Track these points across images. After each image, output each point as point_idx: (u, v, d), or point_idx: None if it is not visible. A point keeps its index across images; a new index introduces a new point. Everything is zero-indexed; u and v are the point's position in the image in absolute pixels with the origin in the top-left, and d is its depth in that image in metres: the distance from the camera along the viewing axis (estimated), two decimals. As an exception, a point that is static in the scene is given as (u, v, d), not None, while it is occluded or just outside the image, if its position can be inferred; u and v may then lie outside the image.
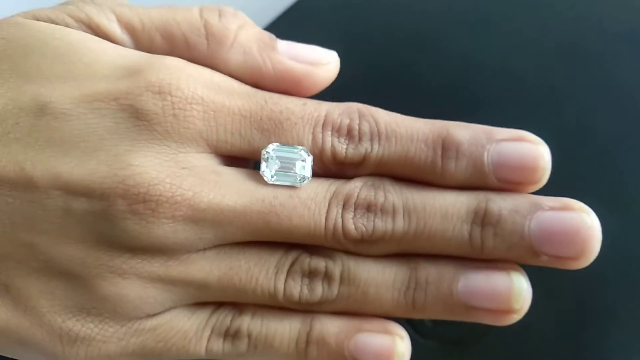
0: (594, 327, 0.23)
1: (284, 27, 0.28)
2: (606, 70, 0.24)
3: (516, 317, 0.18)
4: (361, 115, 0.18)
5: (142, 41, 0.19)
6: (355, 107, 0.19)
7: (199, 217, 0.17)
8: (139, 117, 0.17)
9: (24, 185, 0.16)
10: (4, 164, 0.16)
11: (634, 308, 0.23)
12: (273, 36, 0.19)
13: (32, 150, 0.16)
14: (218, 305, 0.19)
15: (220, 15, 0.19)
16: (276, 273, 0.18)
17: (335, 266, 0.18)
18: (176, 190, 0.17)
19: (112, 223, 0.16)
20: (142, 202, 0.16)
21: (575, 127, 0.18)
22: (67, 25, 0.18)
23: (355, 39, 0.27)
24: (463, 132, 0.18)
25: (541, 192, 0.18)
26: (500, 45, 0.25)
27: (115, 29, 0.18)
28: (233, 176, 0.18)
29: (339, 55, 0.20)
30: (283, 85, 0.19)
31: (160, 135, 0.17)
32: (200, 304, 0.18)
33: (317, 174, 0.18)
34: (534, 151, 0.18)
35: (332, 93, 0.19)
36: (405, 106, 0.24)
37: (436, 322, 0.23)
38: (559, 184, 0.20)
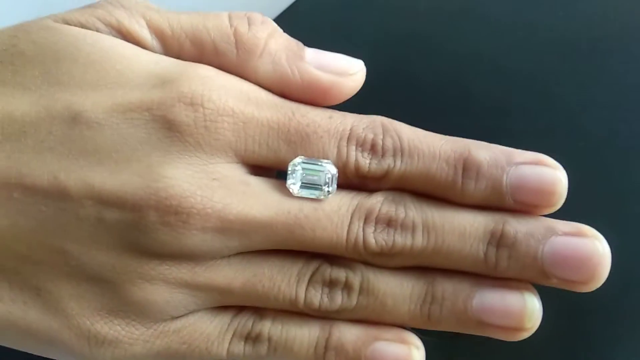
0: (590, 324, 0.23)
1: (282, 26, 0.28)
2: (600, 68, 0.25)
3: (526, 335, 0.18)
4: (385, 131, 0.19)
5: (171, 47, 0.19)
6: (379, 122, 0.19)
7: (227, 228, 0.17)
8: (171, 128, 0.17)
9: (58, 195, 0.17)
10: (38, 173, 0.17)
11: (631, 307, 0.23)
12: (301, 44, 0.19)
13: (65, 159, 0.17)
14: (240, 309, 0.19)
15: (250, 23, 0.19)
16: (298, 281, 0.19)
17: (355, 277, 0.19)
18: (207, 203, 0.17)
19: (143, 233, 0.17)
20: (173, 214, 0.17)
21: (565, 126, 0.18)
22: (97, 30, 0.18)
23: (351, 38, 0.27)
24: (484, 153, 0.18)
25: None
26: (495, 44, 0.25)
27: (146, 35, 0.18)
28: (260, 187, 0.18)
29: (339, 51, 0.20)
30: (310, 94, 0.19)
31: (191, 147, 0.17)
32: (223, 308, 0.19)
33: (340, 185, 0.19)
34: (552, 176, 0.18)
35: None
36: (400, 104, 0.25)
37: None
38: None
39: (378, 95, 0.25)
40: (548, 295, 0.19)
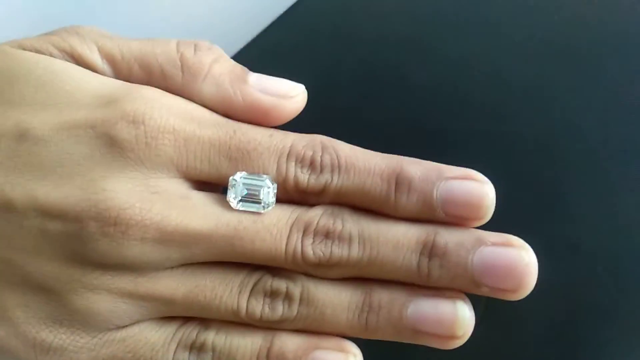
0: (585, 324, 0.23)
1: (280, 30, 0.28)
2: (597, 72, 0.24)
3: (459, 343, 0.19)
4: (324, 148, 0.20)
5: (121, 71, 0.20)
6: (319, 140, 0.20)
7: (166, 239, 0.18)
8: (113, 145, 0.18)
9: (3, 206, 0.18)
10: None
11: (627, 306, 0.23)
12: (245, 69, 0.21)
13: (12, 173, 0.18)
14: (185, 319, 0.20)
15: (195, 49, 0.20)
16: (239, 292, 0.19)
17: (296, 287, 0.19)
18: (145, 214, 0.18)
19: (84, 243, 0.18)
20: (112, 224, 0.18)
21: (562, 128, 0.19)
22: (51, 55, 0.19)
23: (348, 42, 0.27)
24: (415, 168, 0.19)
25: (540, 197, 0.18)
26: (489, 48, 0.25)
27: (97, 59, 0.20)
28: (201, 200, 0.19)
29: (332, 57, 0.20)
30: (252, 115, 0.20)
31: (132, 162, 0.18)
32: (168, 318, 0.20)
33: (280, 200, 0.20)
34: (480, 190, 0.19)
35: (326, 94, 0.20)
36: (396, 107, 0.24)
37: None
38: (547, 184, 0.20)
39: (374, 99, 0.25)
40: (546, 296, 0.19)
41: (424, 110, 0.25)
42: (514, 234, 0.19)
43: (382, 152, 0.20)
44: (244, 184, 0.19)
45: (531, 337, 0.23)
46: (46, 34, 0.20)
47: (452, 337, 0.19)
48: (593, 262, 0.19)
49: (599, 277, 0.22)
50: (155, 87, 0.20)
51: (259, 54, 0.21)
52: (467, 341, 0.19)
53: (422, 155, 0.20)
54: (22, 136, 0.18)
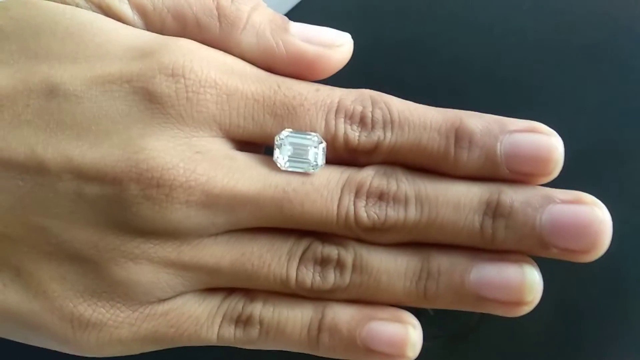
0: (584, 325, 0.23)
1: None
2: (590, 73, 0.25)
3: (527, 309, 0.18)
4: (374, 103, 0.18)
5: (153, 22, 0.18)
6: (368, 94, 0.18)
7: (212, 202, 0.17)
8: (152, 100, 0.17)
9: (35, 169, 0.16)
10: (14, 146, 0.16)
11: (625, 307, 0.23)
12: (286, 18, 0.19)
13: (43, 133, 0.16)
14: (230, 291, 0.19)
15: None
16: (288, 260, 0.18)
17: (348, 254, 0.18)
18: (190, 175, 0.16)
19: (124, 207, 0.16)
20: (155, 186, 0.16)
21: (556, 130, 0.18)
22: (77, 6, 0.18)
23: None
24: (476, 121, 0.18)
25: None
26: (484, 49, 0.26)
27: (127, 10, 0.18)
28: (246, 161, 0.18)
29: None
30: (296, 67, 0.19)
31: (173, 119, 0.17)
32: (212, 290, 0.18)
33: (329, 160, 0.18)
34: (547, 143, 0.17)
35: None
36: None
37: (429, 322, 0.23)
38: (543, 185, 0.20)
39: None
40: (544, 297, 0.18)
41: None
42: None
43: None
44: (290, 142, 0.18)
45: (530, 338, 0.23)
46: None
47: (520, 302, 0.18)
48: (590, 265, 0.19)
49: (597, 279, 0.23)
50: (191, 38, 0.18)
51: None
52: (466, 342, 0.19)
53: None
54: (51, 92, 0.16)
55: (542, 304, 0.18)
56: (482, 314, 0.19)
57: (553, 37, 0.26)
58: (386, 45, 0.27)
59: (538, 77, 0.25)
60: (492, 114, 0.18)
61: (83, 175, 0.16)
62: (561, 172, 0.18)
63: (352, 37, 0.19)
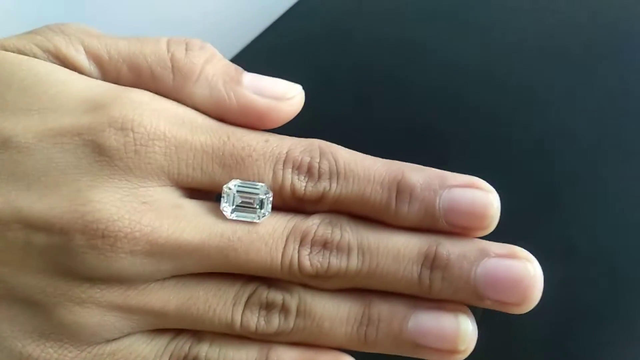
0: (583, 326, 0.23)
1: (276, 34, 0.28)
2: (590, 74, 0.25)
3: (460, 357, 0.18)
4: (322, 154, 0.19)
5: (109, 72, 0.19)
6: (317, 145, 0.19)
7: (157, 251, 0.17)
8: (100, 153, 0.17)
9: None
10: None
11: (623, 307, 0.23)
12: (240, 69, 0.20)
13: None
14: (177, 332, 0.19)
15: (187, 49, 0.19)
16: (234, 304, 0.19)
17: (292, 299, 0.19)
18: (135, 226, 0.17)
19: (71, 256, 0.17)
20: (100, 237, 0.17)
21: (557, 131, 0.18)
22: (35, 56, 0.18)
23: (343, 44, 0.27)
24: (417, 176, 0.19)
25: (536, 200, 0.17)
26: (484, 50, 0.25)
27: (83, 60, 0.19)
28: (193, 210, 0.18)
29: (328, 62, 0.20)
30: (247, 118, 0.19)
31: (121, 171, 0.17)
32: (160, 331, 0.19)
33: (277, 208, 0.19)
34: (484, 199, 0.18)
35: (322, 98, 0.19)
36: (391, 110, 0.24)
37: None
38: (543, 187, 0.20)
39: (370, 102, 0.25)
40: (543, 298, 0.18)
41: (419, 113, 0.25)
42: (510, 237, 0.19)
43: (378, 155, 0.19)
44: (238, 192, 0.18)
45: (529, 339, 0.23)
46: (29, 33, 0.19)
47: (454, 351, 0.18)
48: (590, 264, 0.19)
49: (596, 279, 0.22)
50: (145, 89, 0.19)
51: (255, 58, 0.20)
52: None
53: (417, 157, 0.20)
54: (4, 144, 0.17)
55: (542, 304, 0.18)
56: (483, 313, 0.19)
57: (553, 37, 0.25)
58: (385, 45, 0.26)
59: (537, 76, 0.25)
60: (490, 114, 0.18)
61: (31, 225, 0.17)
62: (561, 172, 0.18)
63: (349, 38, 0.19)
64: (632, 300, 0.23)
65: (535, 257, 0.18)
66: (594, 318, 0.22)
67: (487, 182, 0.19)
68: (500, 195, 0.19)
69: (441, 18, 0.27)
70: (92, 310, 0.18)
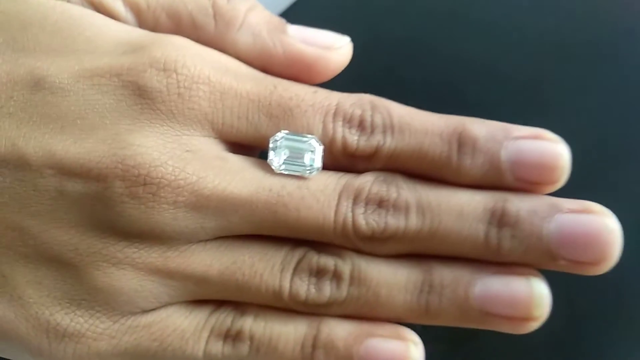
0: (585, 328, 0.22)
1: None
2: (590, 72, 0.24)
3: (535, 325, 0.17)
4: (373, 107, 0.18)
5: (146, 20, 0.18)
6: (367, 99, 0.18)
7: (201, 204, 0.16)
8: (141, 95, 0.16)
9: (16, 163, 0.15)
10: None
11: (626, 309, 0.22)
12: (283, 20, 0.19)
13: (25, 126, 0.15)
14: (218, 304, 0.17)
15: None
16: (282, 270, 0.17)
17: (345, 265, 0.17)
18: (179, 174, 0.16)
19: (108, 207, 0.15)
20: (142, 184, 0.15)
21: (557, 129, 0.18)
22: (68, 1, 0.17)
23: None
24: (480, 127, 0.17)
25: None
26: (484, 48, 0.25)
27: (119, 7, 0.18)
28: (239, 163, 0.17)
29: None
30: (294, 69, 0.18)
31: (163, 115, 0.16)
32: (200, 302, 0.17)
33: (326, 166, 0.17)
34: (553, 150, 0.17)
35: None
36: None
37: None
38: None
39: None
40: None
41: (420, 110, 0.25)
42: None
43: None
44: (286, 145, 0.17)
45: (531, 341, 0.22)
46: None
47: (528, 318, 0.16)
48: None
49: (597, 279, 0.22)
50: (186, 37, 0.18)
51: None
52: (465, 346, 0.18)
53: None
54: (37, 84, 0.16)
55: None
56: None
57: (554, 36, 0.25)
58: (385, 42, 0.26)
59: (538, 75, 0.25)
60: (492, 113, 0.18)
61: (66, 171, 0.15)
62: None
63: (351, 34, 0.19)
64: (633, 300, 0.22)
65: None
66: (595, 318, 0.22)
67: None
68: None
69: (443, 15, 0.27)
70: (128, 273, 0.16)
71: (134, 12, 0.18)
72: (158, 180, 0.15)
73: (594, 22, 0.26)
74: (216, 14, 0.18)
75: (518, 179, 0.17)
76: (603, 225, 0.16)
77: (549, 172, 0.17)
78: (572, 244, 0.16)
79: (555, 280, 0.18)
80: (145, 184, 0.15)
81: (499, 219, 0.17)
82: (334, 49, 0.18)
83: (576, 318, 0.22)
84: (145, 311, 0.17)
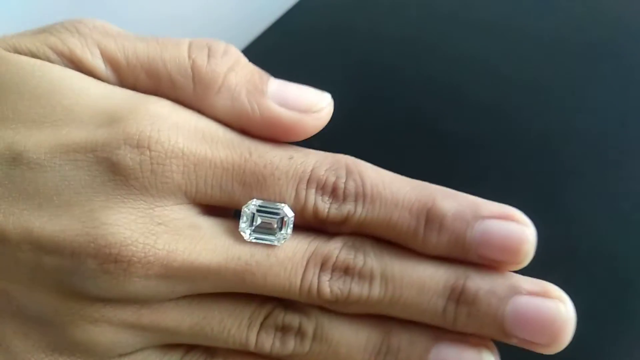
0: (584, 327, 0.23)
1: (277, 34, 0.27)
2: (592, 71, 0.24)
3: None
4: (348, 173, 0.18)
5: (126, 78, 0.18)
6: (343, 162, 0.18)
7: (172, 274, 0.17)
8: (115, 172, 0.16)
9: None
10: None
11: (626, 308, 0.23)
12: (265, 76, 0.18)
13: (4, 201, 0.16)
14: (190, 347, 0.19)
15: (209, 55, 0.18)
16: (249, 325, 0.18)
17: (309, 323, 0.18)
18: (149, 250, 0.16)
19: (82, 280, 0.16)
20: (113, 262, 0.16)
21: (559, 129, 0.18)
22: (48, 59, 0.17)
23: (344, 43, 0.26)
24: (449, 204, 0.17)
25: (538, 198, 0.17)
26: (486, 48, 0.25)
27: (100, 65, 0.18)
28: (210, 230, 0.17)
29: (330, 60, 0.19)
30: (271, 132, 0.18)
31: (137, 190, 0.16)
32: (173, 345, 0.19)
33: (297, 226, 0.18)
34: (519, 233, 0.17)
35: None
36: (393, 107, 0.24)
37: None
38: (544, 185, 0.19)
39: (373, 100, 0.25)
40: None
41: (423, 111, 0.24)
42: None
43: (381, 153, 0.19)
44: (258, 213, 0.17)
45: None
46: (43, 32, 0.18)
47: None
48: (592, 264, 0.18)
49: (597, 279, 0.22)
50: (164, 97, 0.18)
51: (256, 58, 0.19)
52: None
53: (420, 153, 0.19)
54: (14, 160, 0.16)
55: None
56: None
57: (554, 35, 0.25)
58: (386, 43, 0.26)
59: (538, 75, 0.24)
60: (493, 112, 0.18)
61: (42, 247, 0.16)
62: (563, 170, 0.17)
63: (351, 34, 0.19)
64: (633, 300, 0.22)
65: (535, 257, 0.17)
66: (595, 319, 0.22)
67: (487, 181, 0.18)
68: (500, 194, 0.18)
69: (444, 14, 0.26)
70: (105, 329, 0.17)
71: (114, 70, 0.18)
72: (128, 258, 0.16)
73: (594, 22, 0.25)
74: (195, 76, 0.18)
75: (481, 258, 0.17)
76: (557, 311, 0.17)
77: (512, 254, 0.17)
78: (526, 326, 0.17)
79: (555, 280, 0.19)
80: (116, 262, 0.16)
81: (458, 297, 0.17)
82: (313, 112, 0.18)
83: (576, 318, 0.23)
84: (122, 355, 0.18)
